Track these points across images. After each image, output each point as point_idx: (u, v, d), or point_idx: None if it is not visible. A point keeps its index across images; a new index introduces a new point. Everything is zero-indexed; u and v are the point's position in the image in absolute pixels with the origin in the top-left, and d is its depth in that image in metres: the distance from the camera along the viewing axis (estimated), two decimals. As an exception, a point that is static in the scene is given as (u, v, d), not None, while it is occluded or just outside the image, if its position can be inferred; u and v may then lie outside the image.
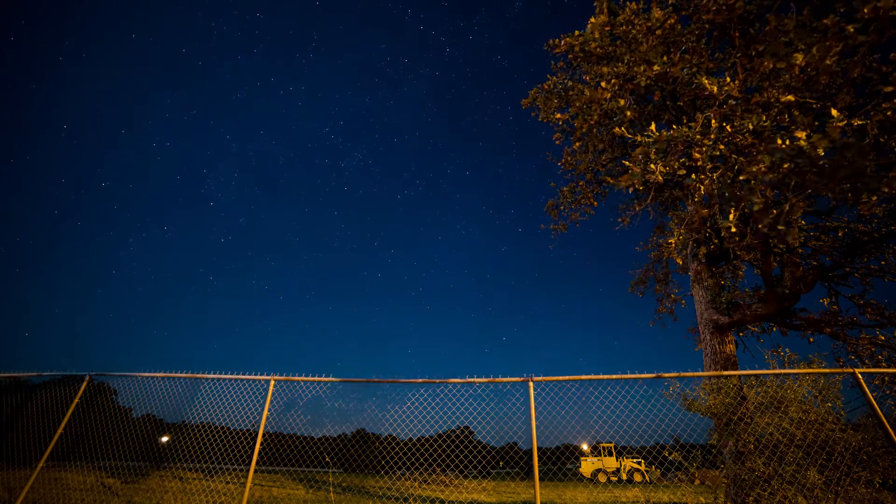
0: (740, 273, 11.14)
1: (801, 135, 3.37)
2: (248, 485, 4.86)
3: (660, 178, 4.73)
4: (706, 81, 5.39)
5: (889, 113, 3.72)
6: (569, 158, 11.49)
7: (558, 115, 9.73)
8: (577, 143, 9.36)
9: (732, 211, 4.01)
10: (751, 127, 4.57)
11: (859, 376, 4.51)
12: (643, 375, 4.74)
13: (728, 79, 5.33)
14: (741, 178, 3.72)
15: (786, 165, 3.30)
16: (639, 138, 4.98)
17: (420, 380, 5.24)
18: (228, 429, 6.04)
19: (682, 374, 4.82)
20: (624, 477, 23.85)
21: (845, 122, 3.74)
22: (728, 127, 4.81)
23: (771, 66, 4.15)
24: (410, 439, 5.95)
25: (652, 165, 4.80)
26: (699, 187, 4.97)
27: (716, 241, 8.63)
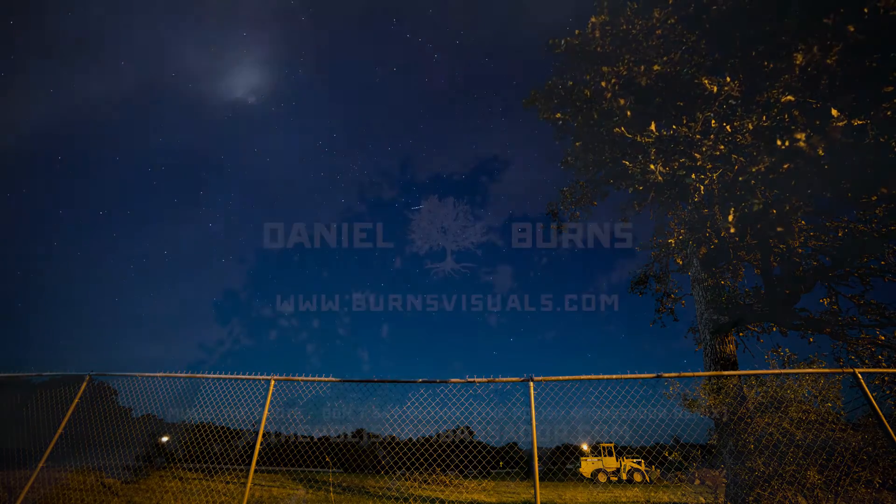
0: (740, 273, 11.12)
1: (801, 136, 3.36)
2: (249, 485, 4.86)
3: (660, 178, 4.73)
4: (706, 81, 5.39)
5: (889, 113, 3.72)
6: (569, 158, 11.49)
7: (558, 115, 9.72)
8: (578, 143, 9.35)
9: (732, 211, 4.01)
10: (751, 127, 4.57)
11: (859, 376, 4.50)
12: (643, 375, 4.74)
13: (728, 79, 5.33)
14: (741, 178, 3.72)
15: (785, 166, 3.30)
16: (638, 138, 4.98)
17: (420, 380, 5.24)
18: (228, 429, 6.04)
19: (682, 374, 4.82)
20: (624, 477, 23.82)
21: (845, 122, 3.74)
22: (728, 127, 4.80)
23: (771, 66, 4.15)
24: (410, 439, 5.95)
25: (652, 166, 4.80)
26: (699, 187, 4.96)
27: (716, 241, 8.62)
